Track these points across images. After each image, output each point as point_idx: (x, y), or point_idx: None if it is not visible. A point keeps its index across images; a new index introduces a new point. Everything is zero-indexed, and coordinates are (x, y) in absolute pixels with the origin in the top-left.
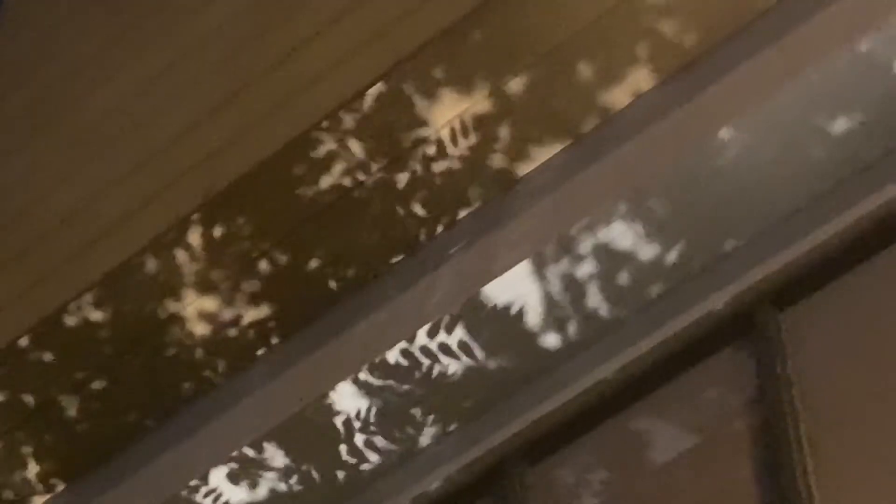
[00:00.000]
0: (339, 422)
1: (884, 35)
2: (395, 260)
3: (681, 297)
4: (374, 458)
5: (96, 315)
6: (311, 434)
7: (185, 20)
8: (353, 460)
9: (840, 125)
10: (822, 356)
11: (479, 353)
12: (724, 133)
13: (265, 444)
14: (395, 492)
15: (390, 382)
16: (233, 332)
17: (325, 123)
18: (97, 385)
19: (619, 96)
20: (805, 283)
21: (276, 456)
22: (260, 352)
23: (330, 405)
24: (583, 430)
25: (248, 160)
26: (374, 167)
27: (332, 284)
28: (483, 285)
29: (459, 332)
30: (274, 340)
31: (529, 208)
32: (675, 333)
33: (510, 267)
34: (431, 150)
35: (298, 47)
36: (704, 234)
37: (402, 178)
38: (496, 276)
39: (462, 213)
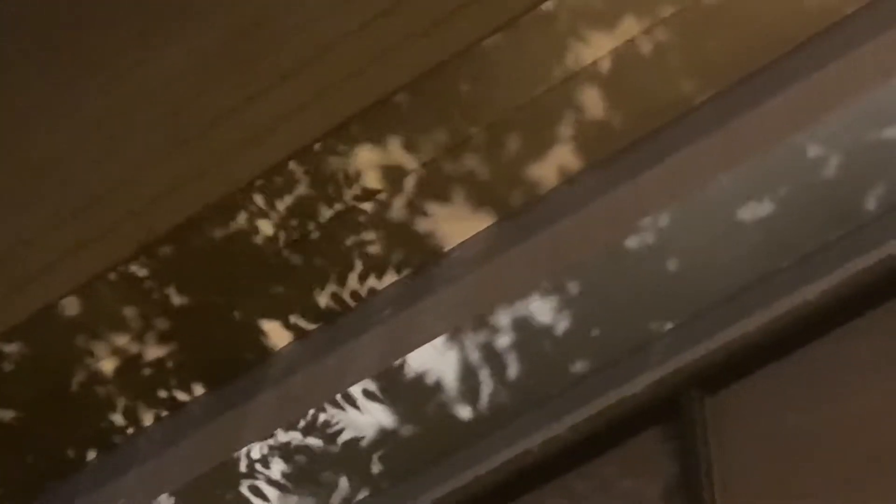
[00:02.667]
0: (245, 485)
1: (821, 129)
2: (316, 325)
3: (604, 377)
4: None
5: (13, 357)
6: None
7: (131, 73)
8: None
9: (775, 215)
10: (746, 445)
11: (394, 422)
12: (656, 218)
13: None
14: None
15: (304, 444)
16: (149, 383)
17: (258, 182)
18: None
19: (549, 176)
20: (733, 369)
21: None
22: (177, 404)
23: (238, 465)
24: None
25: (181, 213)
26: (301, 229)
27: (253, 343)
28: (403, 355)
29: (376, 400)
30: (189, 396)
31: (454, 282)
32: (596, 414)
33: (431, 338)
34: (357, 216)
35: (238, 108)
36: (631, 316)
37: (326, 243)
38: (417, 347)
39: (386, 282)
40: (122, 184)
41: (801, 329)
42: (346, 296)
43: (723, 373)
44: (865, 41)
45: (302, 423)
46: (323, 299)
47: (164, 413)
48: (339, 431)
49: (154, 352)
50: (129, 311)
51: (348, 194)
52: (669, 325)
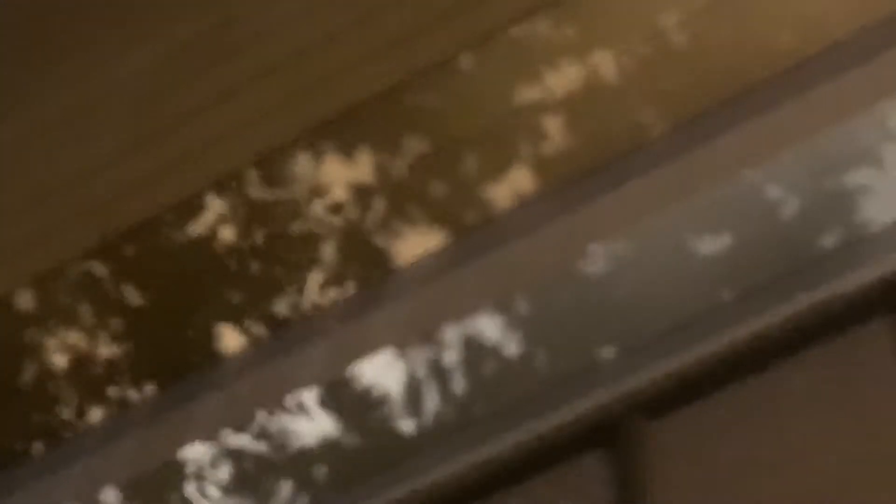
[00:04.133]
0: (190, 487)
1: (774, 168)
2: (269, 331)
3: (547, 398)
4: None
5: None
6: (158, 492)
7: (99, 66)
8: None
9: (725, 248)
10: (685, 475)
11: (338, 431)
12: (608, 244)
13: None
14: None
15: (250, 448)
16: (99, 379)
17: (221, 185)
18: None
19: (505, 197)
20: (676, 398)
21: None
22: (128, 400)
23: (184, 466)
24: None
25: (142, 212)
26: (258, 235)
27: (205, 346)
28: (351, 366)
29: (323, 409)
30: (139, 395)
31: (405, 296)
32: (537, 435)
33: (379, 351)
34: (316, 226)
35: (204, 108)
36: (578, 340)
37: (284, 250)
38: (364, 358)
39: (339, 293)
40: (82, 178)
41: (745, 361)
42: (299, 304)
43: (665, 401)
44: (823, 83)
45: (249, 428)
46: (277, 306)
47: (113, 410)
48: (285, 438)
49: (107, 350)
50: (84, 308)
51: (310, 205)
52: (615, 351)
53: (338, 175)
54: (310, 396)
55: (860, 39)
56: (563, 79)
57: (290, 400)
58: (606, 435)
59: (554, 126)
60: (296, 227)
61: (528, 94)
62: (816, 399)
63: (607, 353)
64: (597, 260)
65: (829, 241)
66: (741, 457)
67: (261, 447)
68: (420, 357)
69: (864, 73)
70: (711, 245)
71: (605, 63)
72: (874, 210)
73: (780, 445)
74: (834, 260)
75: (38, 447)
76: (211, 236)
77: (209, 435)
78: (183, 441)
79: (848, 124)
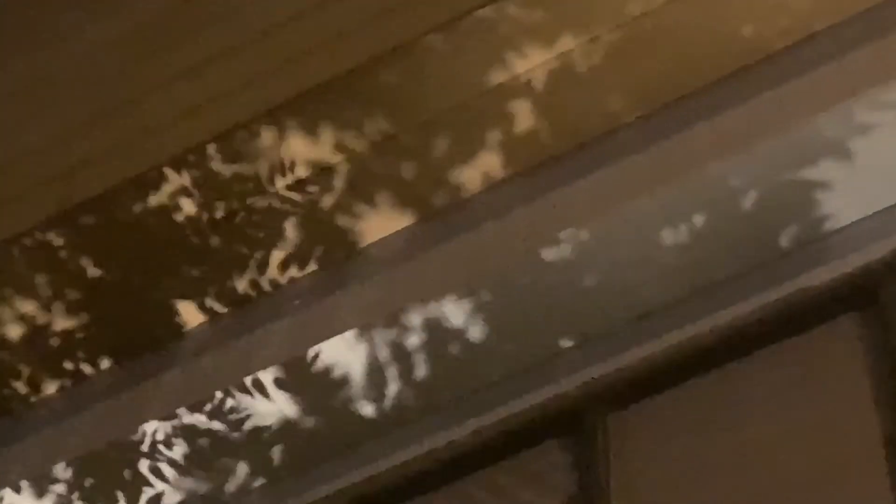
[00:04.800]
0: (145, 464)
1: (743, 163)
2: (230, 308)
3: (510, 385)
4: (176, 498)
5: None
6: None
7: (62, 39)
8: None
9: (693, 241)
10: (645, 465)
11: (297, 412)
12: (576, 232)
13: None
14: None
15: (207, 427)
16: (54, 352)
17: (183, 160)
18: None
19: (474, 181)
20: (638, 389)
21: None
22: (82, 375)
23: (140, 443)
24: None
25: (102, 185)
26: (219, 211)
27: (164, 321)
28: (313, 346)
29: (282, 389)
30: (95, 369)
31: (370, 277)
32: (499, 421)
33: (342, 331)
34: (280, 204)
35: (169, 81)
36: (542, 328)
37: (248, 227)
38: (327, 339)
39: (303, 272)
40: (42, 148)
41: (708, 355)
42: (262, 282)
43: (628, 392)
44: (792, 78)
45: (208, 407)
46: (239, 283)
47: (68, 383)
48: (243, 418)
49: (63, 322)
50: (41, 279)
51: (273, 181)
52: (579, 340)
53: (302, 153)
54: (269, 376)
55: (832, 35)
56: (534, 63)
57: (249, 379)
58: (568, 424)
59: (524, 110)
60: (259, 205)
61: (497, 77)
62: (779, 395)
63: (571, 342)
64: (564, 247)
65: (795, 236)
66: (701, 449)
67: (218, 426)
68: (383, 340)
69: (835, 69)
70: (678, 237)
71: (577, 49)
72: (841, 206)
73: (740, 440)
74: (800, 256)
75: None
76: (172, 211)
77: (166, 412)
78: (139, 418)
79: (818, 120)
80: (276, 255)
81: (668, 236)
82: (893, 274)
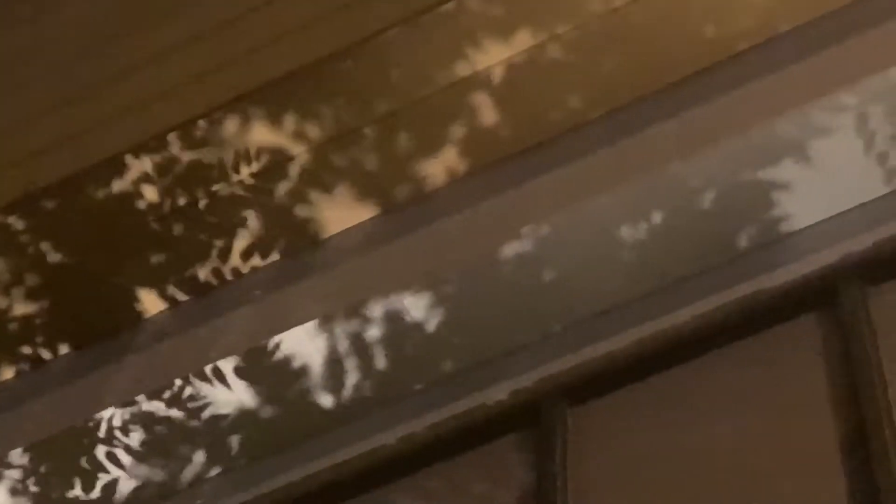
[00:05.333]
0: (102, 450)
1: (705, 162)
2: (190, 296)
3: (470, 379)
4: (132, 485)
5: None
6: (68, 455)
7: (25, 23)
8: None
9: (654, 238)
10: (604, 461)
11: (256, 402)
12: (537, 227)
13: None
14: None
15: (165, 415)
16: (12, 336)
17: (145, 147)
18: None
19: (436, 174)
20: (597, 385)
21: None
22: (42, 359)
23: (97, 429)
24: (345, 498)
25: (64, 170)
26: (182, 198)
27: (124, 308)
28: (273, 336)
29: (241, 378)
30: (53, 355)
31: (331, 268)
32: (458, 415)
33: (302, 322)
34: (243, 192)
35: (132, 68)
36: (503, 321)
37: (210, 215)
38: (287, 329)
39: (264, 262)
40: (2, 133)
41: (667, 352)
42: (223, 271)
43: (587, 387)
44: (755, 78)
45: (166, 395)
46: (200, 272)
47: (26, 368)
48: (201, 406)
49: (22, 307)
50: (1, 263)
51: (236, 170)
52: (539, 334)
53: (266, 142)
54: (229, 365)
55: (794, 36)
56: (497, 58)
57: (209, 368)
58: (527, 418)
59: (487, 105)
60: (222, 193)
61: (461, 71)
62: (737, 393)
63: (532, 335)
64: (526, 242)
65: (754, 237)
66: (659, 446)
67: (176, 414)
68: (343, 331)
69: (797, 71)
70: (640, 234)
71: (540, 44)
72: (801, 208)
73: (698, 437)
74: (759, 256)
75: None
76: (134, 197)
77: (124, 399)
78: (97, 404)
79: (780, 121)
80: (239, 244)
81: (629, 233)
82: (851, 276)
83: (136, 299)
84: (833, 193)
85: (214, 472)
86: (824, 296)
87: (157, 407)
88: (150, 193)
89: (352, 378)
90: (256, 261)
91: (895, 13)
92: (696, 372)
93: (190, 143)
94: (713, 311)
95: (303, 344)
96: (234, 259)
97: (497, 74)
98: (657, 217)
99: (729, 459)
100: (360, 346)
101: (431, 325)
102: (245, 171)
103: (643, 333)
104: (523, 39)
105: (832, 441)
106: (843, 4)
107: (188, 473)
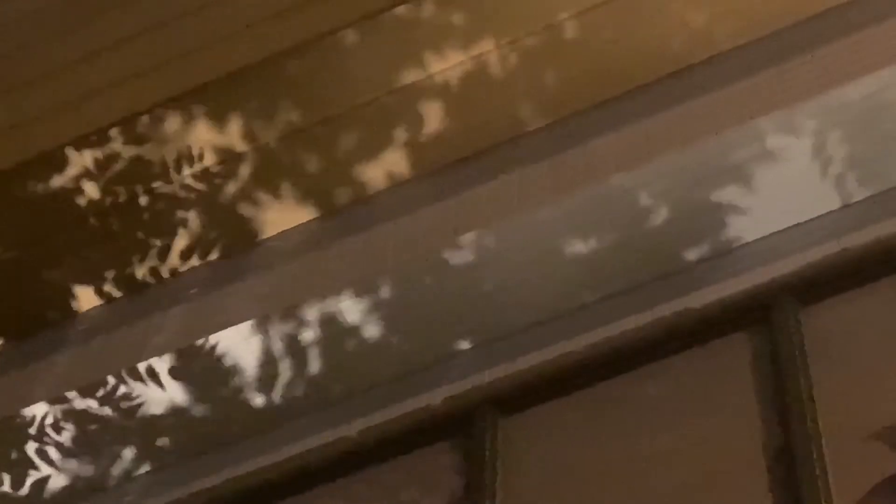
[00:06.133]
0: (32, 446)
1: (648, 179)
2: (126, 293)
3: (403, 385)
4: (61, 482)
5: None
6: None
7: None
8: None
9: (593, 252)
10: (533, 471)
11: (188, 401)
12: (478, 235)
13: None
14: None
15: (94, 409)
16: None
17: (86, 142)
18: None
19: (379, 178)
20: (530, 395)
21: None
22: None
23: (28, 425)
24: (273, 500)
25: (4, 160)
26: (121, 194)
27: (59, 303)
28: (207, 335)
29: (174, 376)
30: None
31: (269, 269)
32: (389, 420)
33: (238, 322)
34: (184, 191)
35: (75, 62)
36: (439, 328)
37: (149, 213)
38: (222, 329)
39: (202, 261)
40: None
41: (601, 364)
42: (161, 269)
43: (520, 397)
44: (701, 94)
45: (99, 392)
46: (137, 269)
47: None
48: (133, 403)
49: None
50: None
51: (179, 169)
52: (474, 343)
53: (209, 141)
54: (163, 364)
55: (739, 56)
56: (446, 64)
57: (142, 366)
58: (459, 425)
59: (433, 111)
60: (163, 191)
61: (410, 76)
62: (670, 405)
63: (466, 344)
64: (466, 250)
65: (694, 252)
66: (589, 457)
67: (107, 411)
68: (278, 333)
69: (740, 90)
70: (579, 246)
71: (490, 53)
72: (741, 227)
73: (629, 449)
74: (697, 272)
75: None
76: (74, 192)
77: (55, 394)
78: (27, 399)
79: (722, 139)
80: (178, 243)
81: (570, 245)
82: (785, 296)
83: (71, 294)
84: (773, 213)
85: (144, 469)
86: (759, 314)
87: (90, 404)
88: (90, 189)
89: (285, 380)
90: (195, 260)
91: (822, 40)
92: (629, 385)
93: (132, 139)
94: (648, 325)
95: (238, 344)
96: (173, 258)
97: (446, 80)
98: (598, 231)
99: (656, 472)
100: (295, 349)
101: (367, 330)
102: (187, 170)
103: (579, 345)
104: (475, 47)
105: (759, 456)
106: (785, 26)
107: (118, 470)
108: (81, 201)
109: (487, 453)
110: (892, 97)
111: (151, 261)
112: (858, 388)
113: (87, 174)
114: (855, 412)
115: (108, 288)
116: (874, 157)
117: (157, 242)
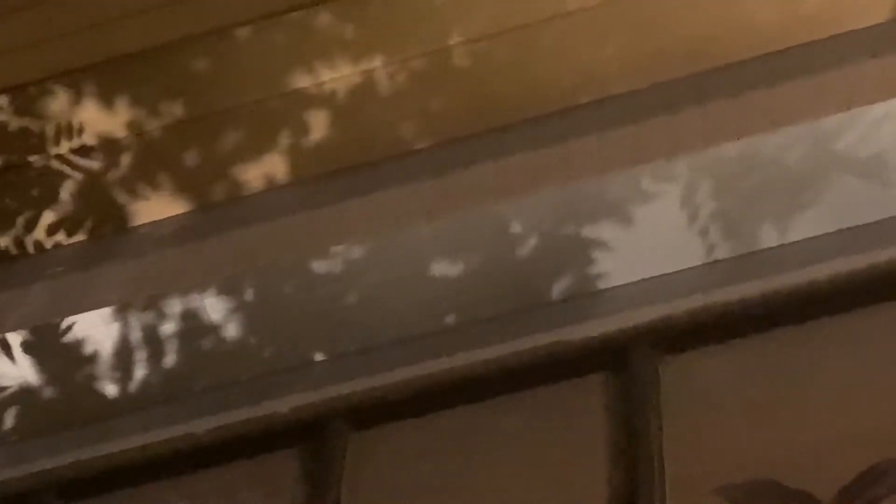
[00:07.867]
0: None
1: (525, 209)
2: None
3: (257, 386)
4: None
5: None
6: None
7: None
8: None
9: (463, 276)
10: (379, 488)
11: (39, 380)
12: (349, 248)
13: None
14: None
15: None
16: None
17: None
18: None
19: (256, 179)
20: (385, 411)
21: None
22: None
23: None
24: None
25: None
26: None
27: None
28: (67, 316)
29: (29, 352)
30: None
31: (137, 257)
32: (237, 421)
33: (100, 306)
34: (59, 167)
35: None
36: (299, 335)
37: (21, 182)
38: (83, 311)
39: (70, 240)
40: None
41: (457, 390)
42: (26, 242)
43: (373, 413)
44: (582, 134)
45: None
46: (1, 239)
47: None
48: None
49: None
50: None
51: (58, 142)
52: (333, 354)
53: (93, 121)
54: (17, 338)
55: (626, 101)
56: (337, 75)
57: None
58: (309, 434)
59: (318, 119)
60: (38, 163)
61: (300, 81)
62: (520, 438)
63: (325, 354)
64: (335, 260)
65: (562, 288)
66: (435, 481)
67: None
68: (138, 322)
69: (623, 134)
70: (447, 269)
71: (379, 70)
72: (611, 268)
73: (474, 478)
74: (562, 309)
75: None
76: None
77: None
78: None
79: (603, 180)
80: (46, 217)
81: (439, 268)
82: (646, 343)
83: None
84: (644, 258)
85: None
86: (619, 357)
87: None
88: None
89: (139, 370)
90: (62, 237)
91: (712, 95)
92: (483, 413)
93: (15, 108)
94: (509, 355)
95: (96, 329)
96: (39, 232)
97: (335, 90)
98: (470, 256)
99: (504, 501)
100: (153, 340)
101: (228, 330)
102: (66, 146)
103: (438, 367)
104: (362, 62)
105: (602, 495)
106: (675, 78)
107: None
108: None
109: (335, 465)
110: (767, 156)
111: (18, 232)
112: (707, 442)
113: None
114: (701, 466)
115: None
116: (740, 216)
117: (27, 214)
